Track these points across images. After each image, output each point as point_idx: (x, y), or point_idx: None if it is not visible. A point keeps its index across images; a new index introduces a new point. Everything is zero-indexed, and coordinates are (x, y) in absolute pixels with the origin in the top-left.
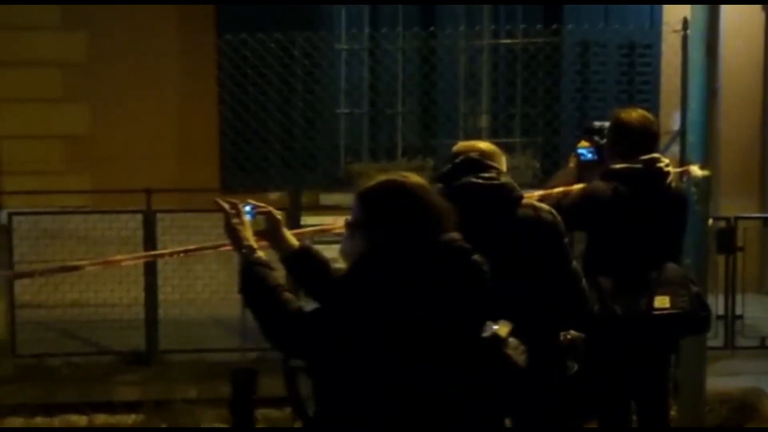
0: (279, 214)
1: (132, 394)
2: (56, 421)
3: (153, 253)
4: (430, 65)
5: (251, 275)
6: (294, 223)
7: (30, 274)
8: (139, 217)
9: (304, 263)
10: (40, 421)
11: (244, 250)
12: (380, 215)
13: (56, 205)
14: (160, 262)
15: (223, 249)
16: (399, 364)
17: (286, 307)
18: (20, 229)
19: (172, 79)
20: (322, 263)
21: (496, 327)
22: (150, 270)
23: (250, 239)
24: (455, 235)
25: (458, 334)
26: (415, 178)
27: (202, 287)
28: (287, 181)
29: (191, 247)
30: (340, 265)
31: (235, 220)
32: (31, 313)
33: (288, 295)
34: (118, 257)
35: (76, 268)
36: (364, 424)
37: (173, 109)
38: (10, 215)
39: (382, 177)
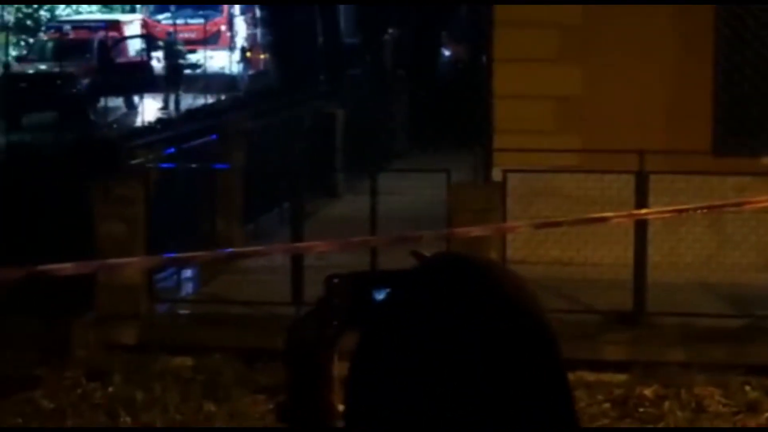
0: None
1: (619, 354)
2: None
3: (638, 213)
4: None
5: None
6: None
7: (555, 224)
8: (629, 177)
9: None
10: None
11: None
12: None
13: (546, 165)
14: (650, 224)
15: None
16: None
17: None
18: (512, 185)
19: (666, 41)
20: None
21: None
22: (640, 231)
23: None
24: None
25: None
26: None
27: (685, 250)
28: None
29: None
30: None
31: None
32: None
33: None
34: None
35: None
36: None
37: (666, 71)
38: (505, 172)
39: None
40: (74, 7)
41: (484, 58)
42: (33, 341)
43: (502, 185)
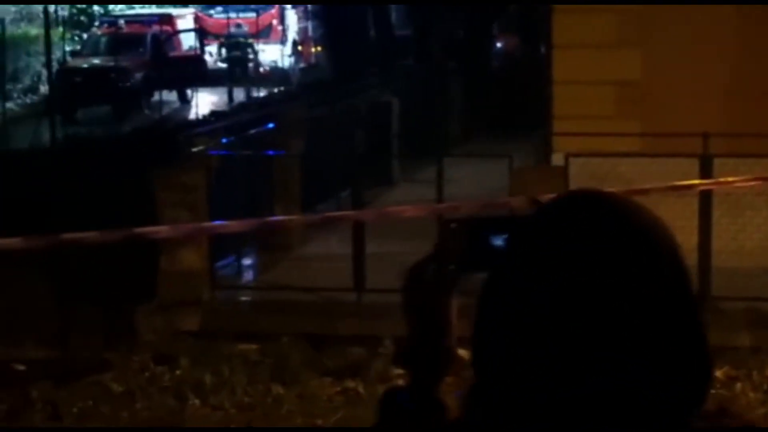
0: None
1: None
2: None
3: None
4: None
5: None
6: None
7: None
8: (693, 161)
9: None
10: None
11: None
12: None
13: (607, 150)
14: (714, 209)
15: None
16: None
17: None
18: (573, 171)
19: (728, 21)
20: None
21: None
22: (704, 216)
23: None
24: None
25: None
26: None
27: (749, 235)
28: None
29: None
30: None
31: None
32: None
33: None
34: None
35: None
36: None
37: (728, 51)
38: (567, 156)
39: None
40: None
41: (540, 46)
42: (99, 327)
43: (565, 170)
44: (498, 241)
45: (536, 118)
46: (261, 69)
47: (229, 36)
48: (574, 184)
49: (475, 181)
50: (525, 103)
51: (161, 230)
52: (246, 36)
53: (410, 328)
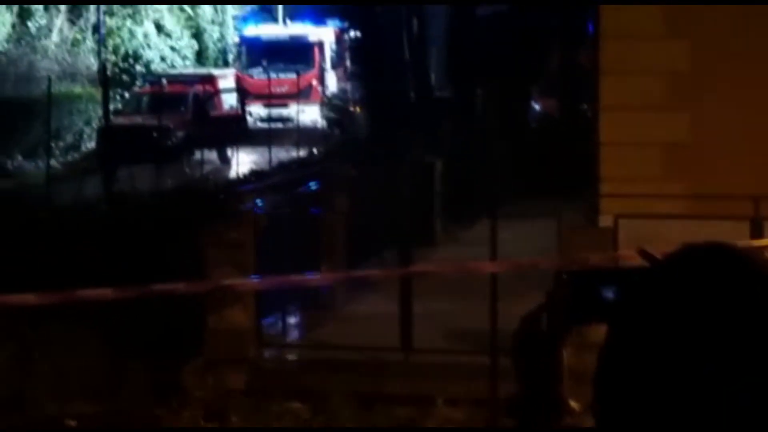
0: None
1: None
2: None
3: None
4: None
5: None
6: None
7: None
8: (743, 225)
9: None
10: None
11: None
12: None
13: (653, 211)
14: None
15: None
16: None
17: None
18: (622, 232)
19: None
20: None
21: None
22: None
23: None
24: None
25: None
26: None
27: None
28: None
29: None
30: None
31: None
32: None
33: None
34: None
35: None
36: None
37: None
38: (617, 217)
39: None
40: (169, 61)
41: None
42: (149, 383)
43: (614, 231)
44: (609, 293)
45: (581, 178)
46: (301, 128)
47: (270, 96)
48: (623, 246)
49: (523, 242)
50: (570, 163)
51: (179, 287)
52: (286, 96)
53: (521, 378)
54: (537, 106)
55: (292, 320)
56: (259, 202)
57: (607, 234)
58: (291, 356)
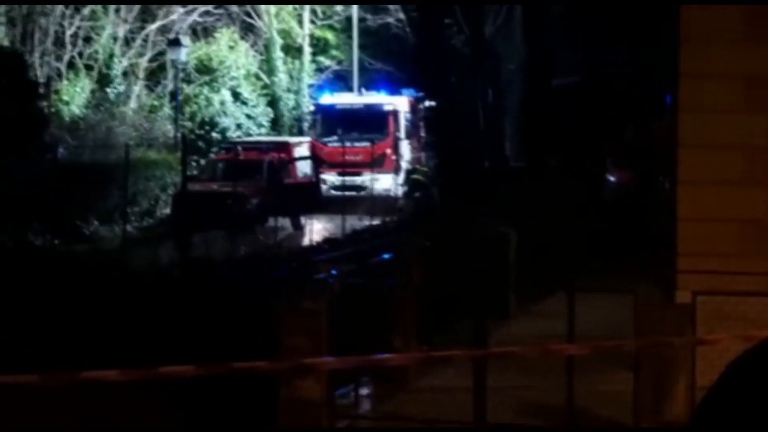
0: None
1: None
2: None
3: None
4: None
5: None
6: None
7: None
8: None
9: None
10: None
11: None
12: None
13: (734, 288)
14: None
15: None
16: None
17: None
18: (700, 309)
19: None
20: None
21: None
22: None
23: None
24: None
25: None
26: None
27: None
28: None
29: None
30: None
31: None
32: None
33: None
34: None
35: None
36: None
37: None
38: (694, 294)
39: None
40: (244, 128)
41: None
42: None
43: (692, 308)
44: None
45: (658, 253)
46: (374, 197)
47: (344, 164)
48: (701, 323)
49: (598, 316)
50: (646, 237)
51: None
52: (360, 164)
53: None
54: (613, 178)
55: (364, 391)
56: (333, 271)
57: (685, 311)
58: (363, 428)
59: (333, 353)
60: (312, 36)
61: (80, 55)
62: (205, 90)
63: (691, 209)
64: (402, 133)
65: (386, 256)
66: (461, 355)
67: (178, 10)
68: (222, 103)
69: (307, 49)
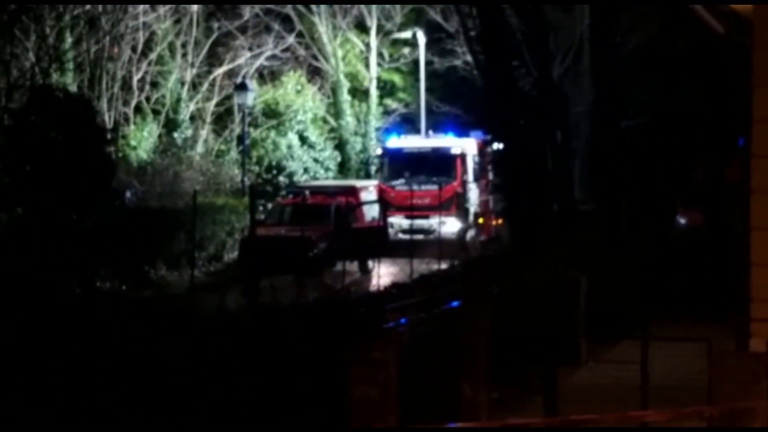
0: None
1: None
2: None
3: None
4: None
5: None
6: None
7: None
8: None
9: None
10: None
11: None
12: None
13: None
14: None
15: None
16: None
17: None
18: None
19: None
20: None
21: None
22: None
23: None
24: None
25: None
26: None
27: None
28: None
29: None
30: None
31: None
32: None
33: None
34: None
35: None
36: None
37: None
38: None
39: None
40: (311, 172)
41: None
42: None
43: (767, 357)
44: None
45: (731, 300)
46: (442, 240)
47: (411, 207)
48: None
49: (670, 365)
50: (718, 283)
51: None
52: (428, 207)
53: None
54: (683, 220)
55: None
56: (402, 320)
57: (760, 360)
58: None
59: (401, 403)
60: (379, 79)
61: (147, 99)
62: (272, 134)
63: (764, 255)
64: (470, 176)
65: (455, 303)
66: (538, 422)
67: (245, 54)
68: (289, 146)
69: (374, 92)
